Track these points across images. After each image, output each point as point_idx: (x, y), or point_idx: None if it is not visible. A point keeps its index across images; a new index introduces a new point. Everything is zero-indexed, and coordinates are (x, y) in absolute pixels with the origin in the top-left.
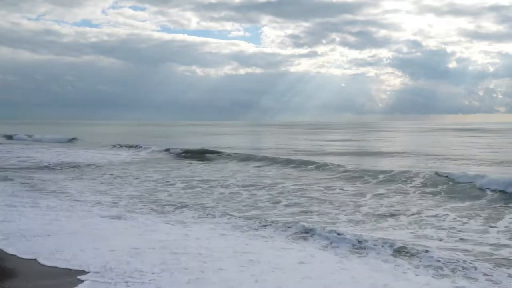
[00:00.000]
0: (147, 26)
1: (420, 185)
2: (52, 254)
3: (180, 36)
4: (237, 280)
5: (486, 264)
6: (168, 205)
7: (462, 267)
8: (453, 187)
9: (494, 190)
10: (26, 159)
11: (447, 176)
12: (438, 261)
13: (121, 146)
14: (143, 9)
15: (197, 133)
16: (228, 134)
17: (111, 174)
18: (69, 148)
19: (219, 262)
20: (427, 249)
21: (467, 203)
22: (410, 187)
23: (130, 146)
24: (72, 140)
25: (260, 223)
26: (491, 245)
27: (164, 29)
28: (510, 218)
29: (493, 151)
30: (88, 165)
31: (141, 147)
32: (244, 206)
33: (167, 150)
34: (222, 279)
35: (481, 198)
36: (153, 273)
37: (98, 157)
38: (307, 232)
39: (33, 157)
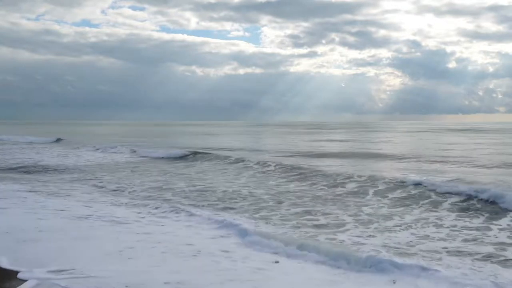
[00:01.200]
0: (146, 26)
1: (402, 193)
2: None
3: (179, 36)
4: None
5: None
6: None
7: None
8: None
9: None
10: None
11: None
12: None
13: (98, 148)
14: (142, 9)
15: (189, 133)
16: (223, 134)
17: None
18: (45, 148)
19: (219, 264)
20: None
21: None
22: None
23: (113, 147)
24: (57, 141)
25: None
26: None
27: (164, 29)
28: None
29: (489, 153)
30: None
31: (122, 148)
32: (250, 206)
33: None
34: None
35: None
36: (128, 272)
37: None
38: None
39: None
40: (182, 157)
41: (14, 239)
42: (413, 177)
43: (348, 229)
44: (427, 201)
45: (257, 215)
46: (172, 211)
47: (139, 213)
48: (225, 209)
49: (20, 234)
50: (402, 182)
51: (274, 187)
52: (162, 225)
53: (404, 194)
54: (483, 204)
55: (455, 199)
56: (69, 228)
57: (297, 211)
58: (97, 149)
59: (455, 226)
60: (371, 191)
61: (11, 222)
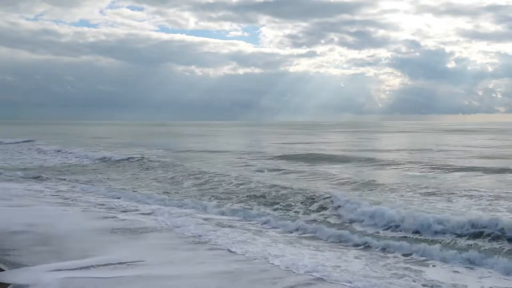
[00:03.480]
0: (145, 26)
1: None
2: None
3: (178, 36)
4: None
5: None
6: None
7: None
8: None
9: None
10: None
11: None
12: None
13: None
14: (141, 9)
15: (174, 134)
16: (207, 135)
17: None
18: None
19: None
20: None
21: None
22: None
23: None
24: (26, 141)
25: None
26: None
27: (163, 29)
28: None
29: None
30: None
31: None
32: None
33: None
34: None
35: None
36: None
37: None
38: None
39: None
40: (121, 160)
41: None
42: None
43: None
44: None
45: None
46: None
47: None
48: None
49: None
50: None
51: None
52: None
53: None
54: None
55: None
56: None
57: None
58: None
59: None
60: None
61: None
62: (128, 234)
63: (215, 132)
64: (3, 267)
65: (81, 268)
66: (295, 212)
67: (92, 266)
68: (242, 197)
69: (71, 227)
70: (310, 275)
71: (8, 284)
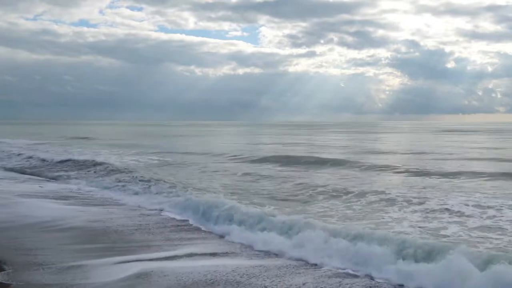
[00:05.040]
0: (144, 26)
1: None
2: None
3: (177, 36)
4: None
5: None
6: None
7: None
8: None
9: None
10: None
11: None
12: None
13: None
14: (140, 9)
15: (158, 135)
16: (191, 135)
17: None
18: None
19: None
20: None
21: None
22: None
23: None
24: None
25: None
26: None
27: (162, 29)
28: None
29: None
30: None
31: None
32: None
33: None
34: None
35: None
36: None
37: None
38: None
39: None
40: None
41: None
42: None
43: None
44: None
45: None
46: None
47: None
48: None
49: None
50: None
51: None
52: None
53: None
54: None
55: None
56: None
57: None
58: None
59: None
60: None
61: None
62: (190, 231)
63: (209, 133)
64: (5, 268)
65: (156, 259)
66: None
67: (177, 256)
68: None
69: (131, 223)
70: None
71: (9, 284)
